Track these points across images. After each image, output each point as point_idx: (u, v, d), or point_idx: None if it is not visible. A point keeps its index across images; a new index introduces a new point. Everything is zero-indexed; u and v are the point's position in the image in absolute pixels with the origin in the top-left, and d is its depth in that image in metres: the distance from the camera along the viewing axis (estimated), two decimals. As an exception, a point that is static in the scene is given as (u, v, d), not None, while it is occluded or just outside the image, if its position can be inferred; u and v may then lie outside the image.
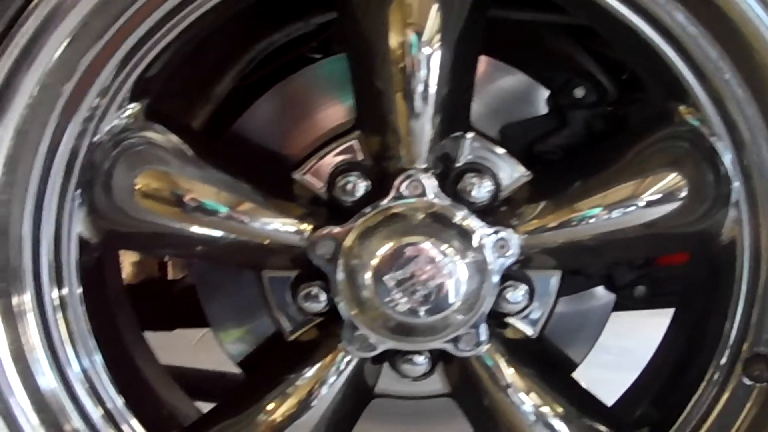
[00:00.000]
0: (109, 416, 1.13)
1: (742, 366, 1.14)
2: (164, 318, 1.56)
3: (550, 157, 1.27)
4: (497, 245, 1.12)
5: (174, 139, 1.13)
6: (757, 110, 1.07)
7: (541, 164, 1.26)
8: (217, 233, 1.13)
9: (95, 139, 1.08)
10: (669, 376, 1.30)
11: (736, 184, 1.09)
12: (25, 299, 1.07)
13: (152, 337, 1.47)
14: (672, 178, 1.13)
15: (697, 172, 1.11)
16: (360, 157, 1.17)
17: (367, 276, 1.07)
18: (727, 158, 1.08)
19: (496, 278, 1.12)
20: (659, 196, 1.12)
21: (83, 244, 1.10)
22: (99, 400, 1.13)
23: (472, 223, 1.11)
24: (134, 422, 1.15)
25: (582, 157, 1.24)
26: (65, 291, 1.09)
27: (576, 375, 1.36)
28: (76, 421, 1.10)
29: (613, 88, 1.27)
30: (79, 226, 1.09)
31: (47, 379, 1.08)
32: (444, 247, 1.08)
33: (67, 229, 1.08)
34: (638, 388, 1.40)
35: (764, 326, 1.13)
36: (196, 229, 1.12)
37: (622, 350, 2.06)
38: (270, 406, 1.17)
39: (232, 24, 1.18)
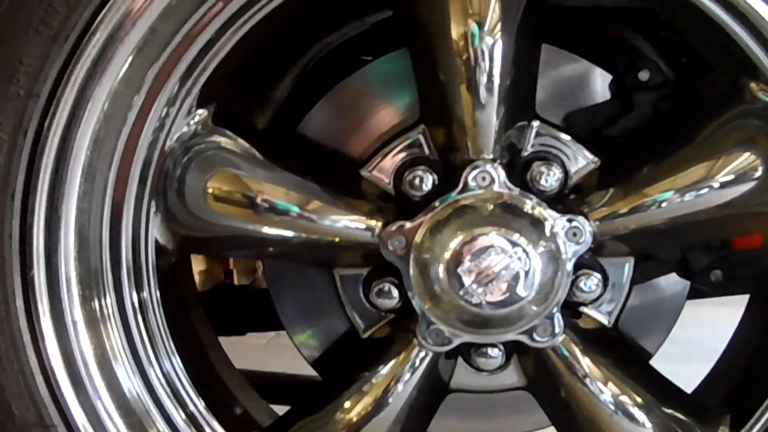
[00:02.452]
0: (192, 419, 1.15)
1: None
2: (236, 323, 1.58)
3: (619, 142, 1.24)
4: (570, 233, 1.11)
5: (242, 142, 1.14)
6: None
7: (609, 150, 1.23)
8: (289, 233, 1.14)
9: (166, 147, 1.10)
10: (745, 368, 1.28)
11: None
12: (107, 303, 1.09)
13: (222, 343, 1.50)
14: (746, 158, 1.10)
15: None
16: (426, 151, 1.17)
17: (440, 269, 1.07)
18: None
19: (569, 267, 1.11)
20: (733, 176, 1.09)
21: (160, 248, 1.12)
22: (181, 403, 1.14)
23: (543, 211, 1.10)
24: (215, 424, 1.16)
25: (650, 141, 1.21)
26: (144, 294, 1.10)
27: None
28: (161, 425, 1.12)
29: (673, 71, 1.25)
30: (155, 231, 1.11)
31: (131, 384, 1.10)
32: (516, 237, 1.07)
33: (144, 235, 1.09)
34: (713, 379, 1.37)
35: None
36: (268, 230, 1.13)
37: (687, 342, 2.02)
38: (347, 405, 1.17)
39: (290, 26, 1.19)
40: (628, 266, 1.20)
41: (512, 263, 1.06)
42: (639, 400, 1.16)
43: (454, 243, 1.07)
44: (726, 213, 1.12)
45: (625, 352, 1.23)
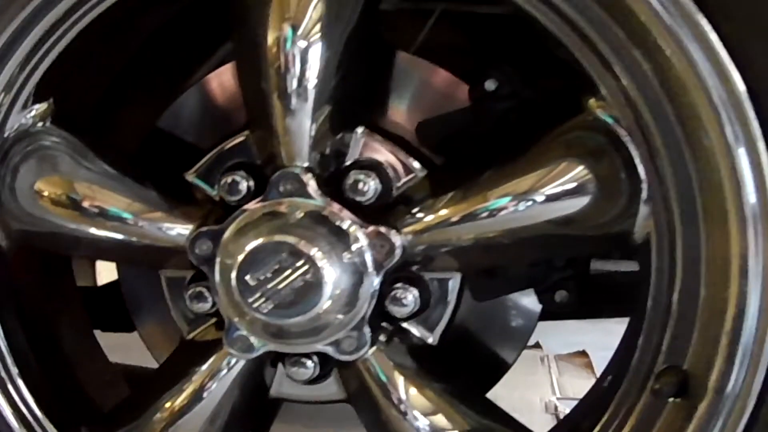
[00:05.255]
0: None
1: (655, 378, 1.07)
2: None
3: (464, 153, 1.22)
4: (377, 245, 1.08)
5: (76, 140, 1.17)
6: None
7: (453, 160, 1.21)
8: (113, 235, 1.15)
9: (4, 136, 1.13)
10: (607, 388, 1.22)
11: (648, 184, 1.00)
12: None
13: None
14: (577, 173, 1.04)
15: (605, 167, 1.05)
16: (250, 156, 1.15)
17: (233, 276, 1.06)
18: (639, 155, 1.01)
19: (376, 280, 1.08)
20: (560, 191, 1.04)
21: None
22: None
23: (350, 222, 1.08)
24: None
25: (481, 153, 1.17)
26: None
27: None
28: None
29: (525, 80, 1.20)
30: None
31: None
32: (315, 246, 1.05)
33: None
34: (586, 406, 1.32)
35: (678, 338, 1.05)
36: (86, 230, 1.15)
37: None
38: (167, 404, 1.17)
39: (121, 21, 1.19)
40: (453, 282, 1.16)
41: (306, 273, 1.04)
42: (459, 424, 1.12)
43: (246, 250, 1.05)
44: (554, 231, 1.07)
45: (451, 372, 1.18)
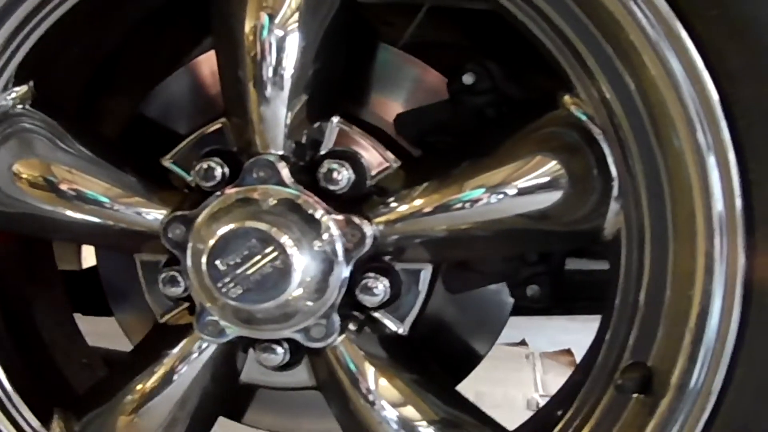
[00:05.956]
0: None
1: (620, 374, 1.07)
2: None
3: (441, 146, 1.22)
4: (348, 235, 1.08)
5: (53, 123, 1.17)
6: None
7: (430, 152, 1.21)
8: (82, 217, 1.15)
9: None
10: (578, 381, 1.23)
11: (619, 182, 1.01)
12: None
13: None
14: (549, 168, 1.04)
15: (578, 163, 1.05)
16: (226, 143, 1.16)
17: (203, 261, 1.07)
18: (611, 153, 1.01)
19: (345, 268, 1.08)
20: (530, 185, 1.05)
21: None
22: None
23: (321, 211, 1.08)
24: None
25: (458, 146, 1.17)
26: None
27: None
28: None
29: (507, 75, 1.21)
30: None
31: None
32: (285, 233, 1.05)
33: None
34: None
35: (644, 335, 1.06)
36: (63, 213, 1.16)
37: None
38: (137, 387, 1.19)
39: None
40: (425, 273, 1.15)
41: (276, 260, 1.04)
42: (429, 417, 1.12)
43: (217, 235, 1.06)
44: (526, 225, 1.08)
45: (422, 363, 1.19)
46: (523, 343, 2.51)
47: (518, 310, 1.25)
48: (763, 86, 0.93)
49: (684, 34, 0.93)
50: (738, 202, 0.94)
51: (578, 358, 2.53)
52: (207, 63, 1.30)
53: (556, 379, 2.38)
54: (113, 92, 1.43)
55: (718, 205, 0.94)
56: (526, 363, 2.45)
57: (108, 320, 1.54)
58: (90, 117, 1.42)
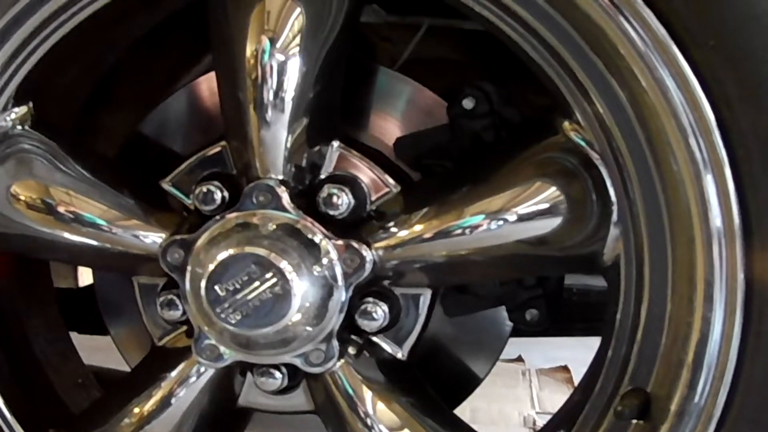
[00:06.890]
0: None
1: (619, 400, 1.07)
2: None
3: (440, 169, 1.22)
4: (347, 260, 1.08)
5: (52, 144, 1.17)
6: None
7: (430, 176, 1.21)
8: (79, 239, 1.15)
9: None
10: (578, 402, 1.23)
11: (618, 207, 1.01)
12: None
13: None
14: (549, 194, 1.05)
15: (577, 188, 1.05)
16: (226, 167, 1.16)
17: (203, 286, 1.06)
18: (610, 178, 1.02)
19: (344, 294, 1.08)
20: (530, 211, 1.05)
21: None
22: None
23: (321, 236, 1.08)
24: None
25: (456, 171, 1.18)
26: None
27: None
28: None
29: (506, 99, 1.21)
30: None
31: None
32: (284, 259, 1.05)
33: None
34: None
35: (644, 361, 1.06)
36: (60, 235, 1.15)
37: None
38: (135, 409, 1.18)
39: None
40: (424, 298, 1.15)
41: (275, 285, 1.04)
42: None
43: (217, 260, 1.06)
44: (526, 250, 1.08)
45: (420, 387, 1.19)
46: (519, 359, 2.51)
47: (516, 332, 1.25)
48: (761, 114, 0.94)
49: (683, 62, 0.94)
50: (737, 227, 0.94)
51: (575, 375, 2.57)
52: (206, 83, 1.31)
53: (552, 395, 2.38)
54: (111, 109, 1.44)
55: (717, 224, 0.94)
56: (522, 379, 2.44)
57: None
58: (88, 134, 1.42)
